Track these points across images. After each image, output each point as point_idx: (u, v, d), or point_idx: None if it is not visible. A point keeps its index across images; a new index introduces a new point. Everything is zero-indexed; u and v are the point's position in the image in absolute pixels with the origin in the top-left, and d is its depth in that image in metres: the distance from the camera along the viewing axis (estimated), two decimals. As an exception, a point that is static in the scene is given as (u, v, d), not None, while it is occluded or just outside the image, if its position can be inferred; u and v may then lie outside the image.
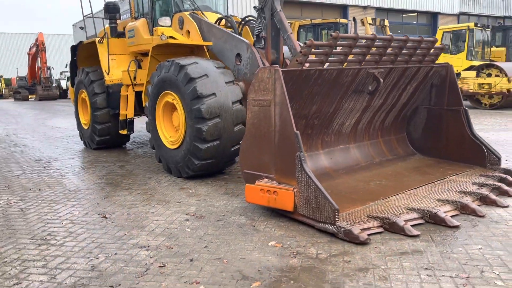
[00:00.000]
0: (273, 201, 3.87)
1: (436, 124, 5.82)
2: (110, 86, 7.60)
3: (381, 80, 4.81)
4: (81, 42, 8.52)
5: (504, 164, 5.46)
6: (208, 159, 5.30)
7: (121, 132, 7.62)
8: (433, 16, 26.79)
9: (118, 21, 8.25)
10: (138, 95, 7.29)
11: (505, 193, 4.47)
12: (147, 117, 6.11)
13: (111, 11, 8.08)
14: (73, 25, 37.03)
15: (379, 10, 23.53)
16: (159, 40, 6.06)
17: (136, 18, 7.63)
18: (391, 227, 3.56)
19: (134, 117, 7.52)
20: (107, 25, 8.36)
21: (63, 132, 11.44)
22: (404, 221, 3.59)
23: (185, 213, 4.23)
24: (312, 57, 4.21)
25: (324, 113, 4.89)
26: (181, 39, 6.32)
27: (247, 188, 4.05)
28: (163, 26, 6.32)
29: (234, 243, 3.45)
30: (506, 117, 11.31)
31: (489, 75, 13.95)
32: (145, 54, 7.60)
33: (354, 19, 14.47)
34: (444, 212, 3.79)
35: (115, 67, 7.70)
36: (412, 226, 3.57)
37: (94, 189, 5.27)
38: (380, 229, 3.57)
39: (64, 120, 15.27)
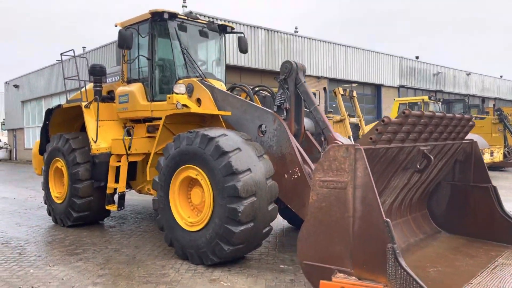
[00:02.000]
0: (357, 301, 3.30)
1: (462, 201, 5.65)
2: (96, 156, 6.75)
3: (432, 157, 4.60)
4: (59, 105, 7.68)
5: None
6: (240, 244, 4.63)
7: (108, 207, 6.70)
8: (377, 88, 28.62)
9: (103, 85, 7.59)
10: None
11: None
12: (135, 189, 5.38)
13: (97, 73, 7.45)
14: (6, 82, 34.63)
15: (331, 80, 24.67)
16: (174, 108, 5.50)
17: (129, 83, 7.03)
18: (503, 331, 3.12)
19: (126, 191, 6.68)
20: (88, 87, 7.66)
21: (16, 204, 10.01)
22: (513, 322, 3.18)
23: (241, 317, 3.50)
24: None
25: (374, 193, 4.52)
26: (193, 107, 5.79)
27: (322, 285, 3.45)
28: (178, 94, 5.76)
29: None
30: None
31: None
32: (137, 121, 6.97)
33: (325, 89, 14.81)
34: (541, 307, 3.45)
35: (102, 135, 6.92)
36: (521, 327, 3.17)
37: (104, 285, 4.33)
38: (491, 334, 3.12)
39: (5, 188, 13.59)
